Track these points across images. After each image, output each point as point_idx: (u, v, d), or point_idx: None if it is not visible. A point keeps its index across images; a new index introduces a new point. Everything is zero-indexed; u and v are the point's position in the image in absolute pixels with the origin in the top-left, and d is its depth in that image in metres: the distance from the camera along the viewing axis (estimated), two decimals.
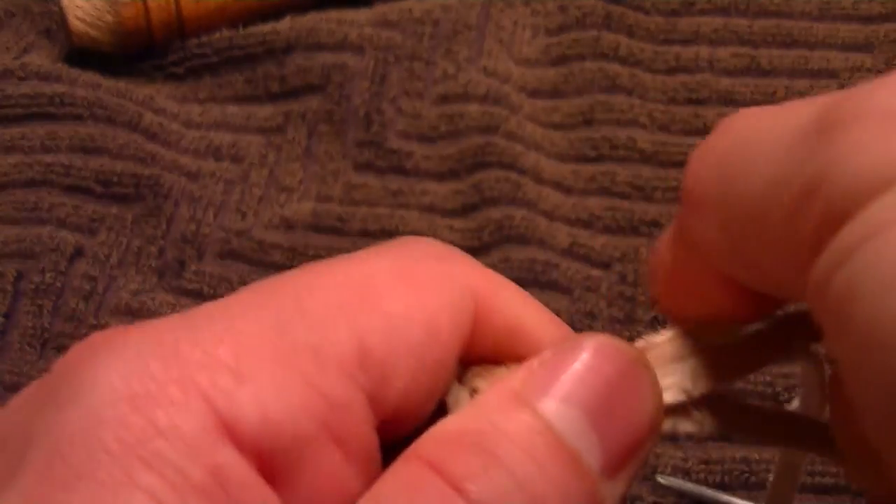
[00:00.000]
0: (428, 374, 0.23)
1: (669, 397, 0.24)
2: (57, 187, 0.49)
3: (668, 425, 0.24)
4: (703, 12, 0.54)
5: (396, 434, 0.23)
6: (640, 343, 0.25)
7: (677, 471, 0.41)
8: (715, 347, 0.24)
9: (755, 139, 0.21)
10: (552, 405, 0.22)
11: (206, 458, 0.20)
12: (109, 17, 0.52)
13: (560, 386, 0.22)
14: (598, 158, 0.50)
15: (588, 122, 0.51)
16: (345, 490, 0.22)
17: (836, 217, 0.18)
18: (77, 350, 0.21)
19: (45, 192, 0.49)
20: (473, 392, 0.24)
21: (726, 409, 0.25)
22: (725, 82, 0.52)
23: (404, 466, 0.21)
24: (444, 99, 0.52)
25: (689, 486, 0.41)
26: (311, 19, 0.54)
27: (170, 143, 0.51)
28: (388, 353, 0.22)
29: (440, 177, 0.50)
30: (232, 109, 0.53)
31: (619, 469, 0.23)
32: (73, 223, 0.48)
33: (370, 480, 0.22)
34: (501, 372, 0.24)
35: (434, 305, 0.23)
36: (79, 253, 0.47)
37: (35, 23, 0.55)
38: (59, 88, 0.50)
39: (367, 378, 0.22)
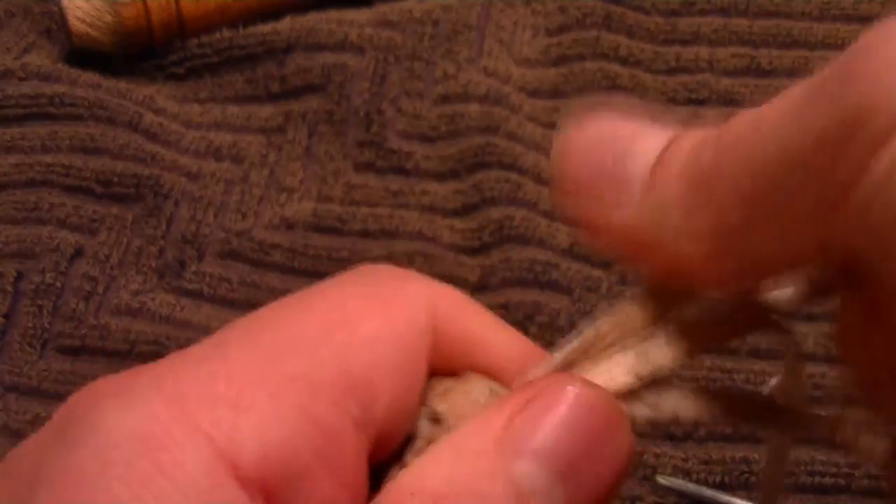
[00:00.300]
0: (406, 393, 0.23)
1: (621, 378, 0.24)
2: (57, 187, 0.49)
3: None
4: (703, 12, 0.54)
5: (380, 458, 0.24)
6: (602, 322, 0.24)
7: (677, 471, 0.41)
8: (681, 318, 0.24)
9: (755, 120, 0.21)
10: (527, 467, 0.22)
11: (209, 496, 0.20)
12: (109, 18, 0.52)
13: (536, 442, 0.23)
14: None
15: None
16: None
17: (881, 136, 0.18)
18: (83, 393, 0.22)
19: (45, 192, 0.49)
20: (434, 418, 0.24)
21: (684, 393, 0.25)
22: (725, 82, 0.52)
23: None
24: (445, 99, 0.52)
25: (690, 487, 0.41)
26: (312, 19, 0.54)
27: (170, 144, 0.51)
28: (371, 375, 0.23)
29: (440, 177, 0.50)
30: (232, 109, 0.53)
31: None
32: (73, 223, 0.48)
33: None
34: (458, 395, 0.24)
35: (403, 325, 0.24)
36: (79, 253, 0.47)
37: (35, 23, 0.55)
38: (59, 89, 0.50)
39: (355, 403, 0.22)
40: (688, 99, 0.52)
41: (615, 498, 0.24)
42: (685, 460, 0.41)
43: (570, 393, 0.23)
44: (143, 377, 0.22)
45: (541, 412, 0.23)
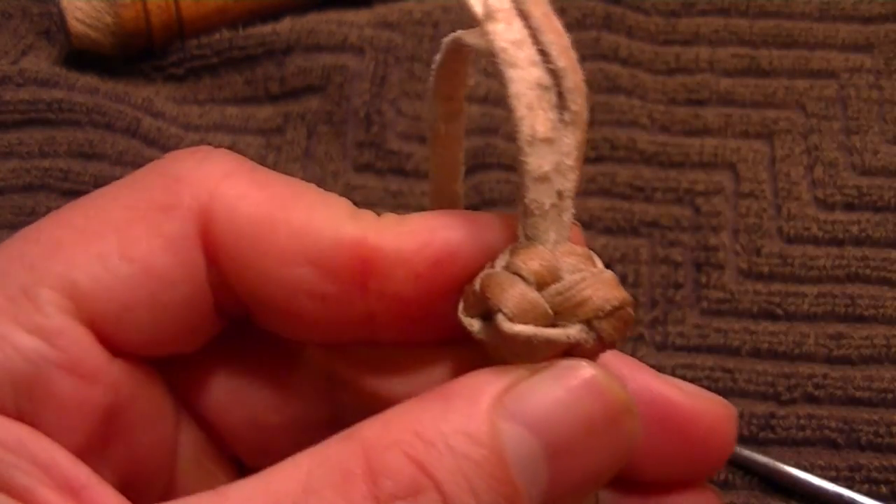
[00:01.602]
0: (157, 306, 0.25)
1: None
2: (55, 192, 0.49)
3: None
4: (703, 13, 0.54)
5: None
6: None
7: None
8: None
9: None
10: (516, 432, 0.22)
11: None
12: (109, 19, 0.51)
13: (533, 412, 0.22)
14: (598, 159, 0.50)
15: (588, 123, 0.51)
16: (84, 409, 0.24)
17: None
18: None
19: (42, 196, 0.48)
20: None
21: None
22: (725, 83, 0.52)
23: (343, 449, 0.22)
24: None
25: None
26: (311, 20, 0.54)
27: (168, 148, 0.50)
28: (96, 292, 0.24)
29: None
30: (231, 110, 0.53)
31: (564, 499, 0.23)
32: None
33: (109, 412, 0.25)
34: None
35: (147, 244, 0.25)
36: None
37: (34, 24, 0.55)
38: (57, 94, 0.50)
39: (82, 312, 0.24)
40: (688, 99, 0.52)
41: (599, 488, 0.24)
42: None
43: (582, 375, 0.23)
44: None
45: (547, 385, 0.23)
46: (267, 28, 0.54)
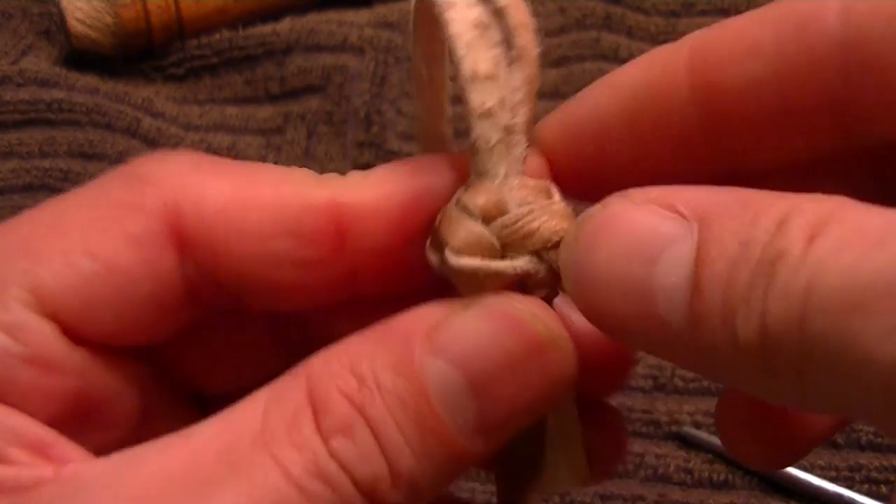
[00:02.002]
0: (120, 300, 0.25)
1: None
2: (55, 192, 0.49)
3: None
4: (703, 13, 0.54)
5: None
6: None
7: (680, 470, 0.41)
8: None
9: None
10: (440, 366, 0.23)
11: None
12: (109, 19, 0.51)
13: (457, 347, 0.23)
14: None
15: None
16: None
17: None
18: None
19: (42, 196, 0.48)
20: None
21: None
22: None
23: (294, 386, 0.23)
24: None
25: (715, 440, 0.41)
26: (311, 20, 0.54)
27: (168, 148, 0.51)
28: (59, 288, 0.25)
29: None
30: (231, 110, 0.53)
31: (499, 430, 0.24)
32: None
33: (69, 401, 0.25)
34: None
35: (110, 242, 0.25)
36: None
37: (34, 24, 0.55)
38: (57, 94, 0.50)
39: (47, 308, 0.25)
40: None
41: (534, 420, 0.25)
42: (687, 460, 0.41)
43: (503, 310, 0.24)
44: None
45: (471, 320, 0.24)
46: (267, 28, 0.54)
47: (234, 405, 0.24)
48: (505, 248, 0.25)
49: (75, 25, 0.51)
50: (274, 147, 0.51)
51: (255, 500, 0.22)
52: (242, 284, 0.26)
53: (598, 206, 0.24)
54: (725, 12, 0.54)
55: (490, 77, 0.25)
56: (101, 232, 0.26)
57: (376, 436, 0.23)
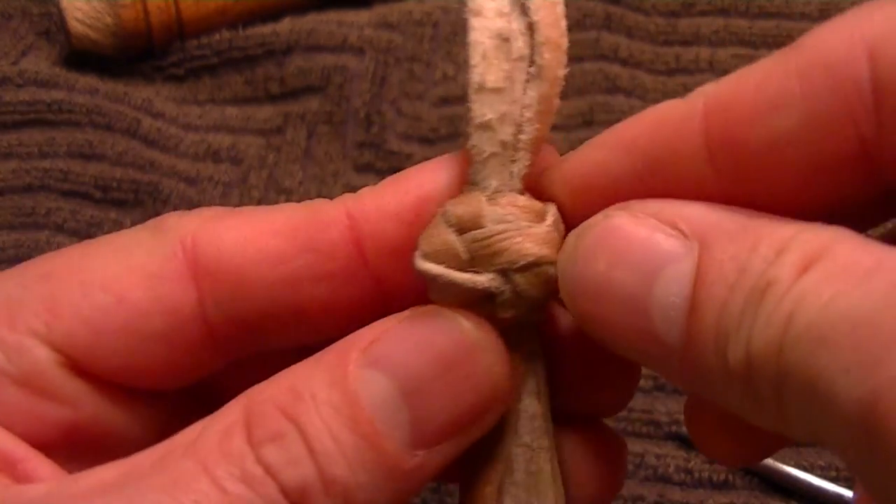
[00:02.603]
0: (129, 334, 0.26)
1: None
2: (54, 192, 0.49)
3: None
4: (702, 13, 0.54)
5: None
6: None
7: (680, 470, 0.41)
8: None
9: None
10: (371, 376, 0.24)
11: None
12: (109, 19, 0.51)
13: (388, 355, 0.24)
14: None
15: (588, 123, 0.51)
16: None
17: None
18: None
19: (42, 196, 0.48)
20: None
21: None
22: None
23: (232, 407, 0.24)
24: (444, 101, 0.52)
25: None
26: (311, 21, 0.54)
27: (168, 148, 0.51)
28: (72, 316, 0.26)
29: None
30: (231, 111, 0.53)
31: (438, 442, 0.24)
32: (70, 228, 0.48)
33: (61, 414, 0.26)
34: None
35: (126, 278, 0.26)
36: None
37: (34, 24, 0.55)
38: (56, 95, 0.50)
39: (55, 335, 0.26)
40: None
41: (480, 431, 0.25)
42: (687, 460, 0.41)
43: (431, 317, 0.24)
44: None
45: (402, 329, 0.24)
46: (267, 28, 0.54)
47: (178, 433, 0.24)
48: (473, 262, 0.25)
49: (75, 26, 0.51)
50: (274, 147, 0.51)
51: (178, 502, 0.22)
52: (265, 315, 0.27)
53: (598, 217, 0.24)
54: (725, 12, 0.54)
55: (496, 90, 0.25)
56: (119, 269, 0.27)
57: (307, 442, 0.23)
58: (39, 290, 0.26)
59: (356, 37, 0.53)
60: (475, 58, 0.25)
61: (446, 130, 0.51)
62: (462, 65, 0.53)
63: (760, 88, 0.23)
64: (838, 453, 0.20)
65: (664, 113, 0.25)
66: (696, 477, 0.41)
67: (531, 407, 0.26)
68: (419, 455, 0.24)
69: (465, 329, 0.24)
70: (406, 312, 0.25)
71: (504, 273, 0.25)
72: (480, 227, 0.25)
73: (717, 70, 0.52)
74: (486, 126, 0.25)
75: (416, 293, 0.26)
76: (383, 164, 0.50)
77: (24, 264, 0.28)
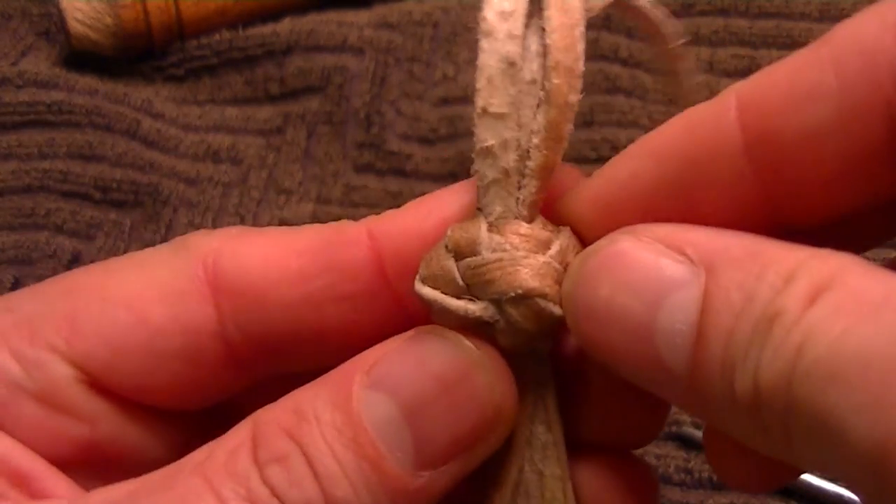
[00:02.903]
0: (149, 353, 0.26)
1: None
2: (54, 193, 0.49)
3: None
4: (702, 13, 0.54)
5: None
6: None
7: (680, 470, 0.41)
8: None
9: None
10: (374, 397, 0.24)
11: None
12: (109, 20, 0.51)
13: (389, 377, 0.24)
14: (599, 160, 0.50)
15: (588, 124, 0.51)
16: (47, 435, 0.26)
17: None
18: None
19: (42, 197, 0.48)
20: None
21: None
22: (725, 83, 0.52)
23: (240, 429, 0.24)
24: (444, 101, 0.52)
25: None
26: (311, 21, 0.54)
27: (168, 149, 0.51)
28: (92, 333, 0.26)
29: (440, 179, 0.50)
30: (231, 111, 0.53)
31: (441, 463, 0.24)
32: (70, 229, 0.48)
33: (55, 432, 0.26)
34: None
35: (147, 296, 0.27)
36: (76, 259, 0.47)
37: (34, 25, 0.55)
38: (56, 96, 0.50)
39: (74, 352, 0.26)
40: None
41: (483, 454, 0.25)
42: (687, 460, 0.41)
43: (428, 338, 0.24)
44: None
45: (402, 351, 0.24)
46: (267, 28, 0.54)
47: (188, 455, 0.24)
48: (470, 289, 0.25)
49: (75, 26, 0.51)
50: (274, 147, 0.51)
51: None
52: (286, 335, 0.27)
53: (603, 241, 0.23)
54: (725, 12, 0.54)
55: (499, 116, 0.24)
56: (140, 287, 0.27)
57: (311, 464, 0.23)
58: (61, 307, 0.26)
59: (356, 37, 0.53)
60: (480, 81, 0.24)
61: (446, 131, 0.51)
62: (462, 65, 0.53)
63: (794, 79, 0.23)
64: (850, 488, 0.20)
65: (695, 114, 0.24)
66: (695, 477, 0.41)
67: (543, 435, 0.26)
68: (423, 476, 0.24)
69: (465, 349, 0.24)
70: (409, 333, 0.25)
71: (497, 303, 0.24)
72: (476, 254, 0.24)
73: (717, 70, 0.52)
74: (487, 152, 0.24)
75: None
76: (383, 165, 0.50)
77: (47, 281, 0.28)
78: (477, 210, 0.25)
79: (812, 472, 0.40)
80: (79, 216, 0.48)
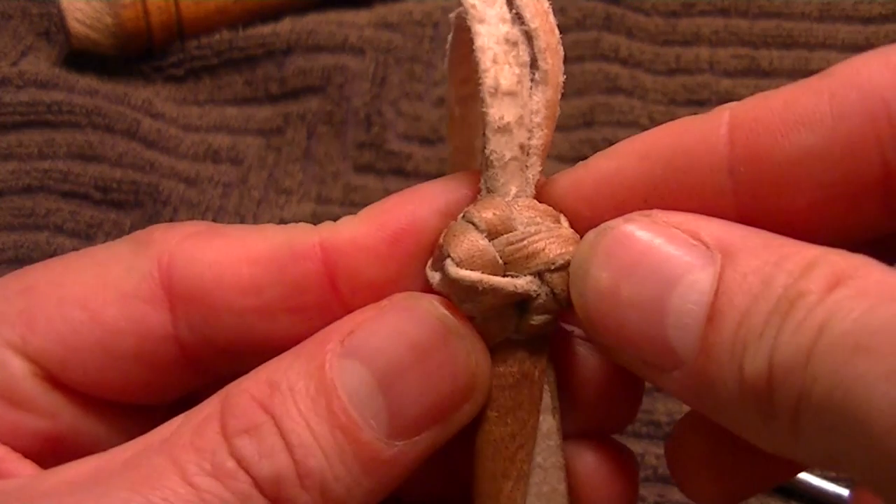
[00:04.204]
0: (103, 352, 0.26)
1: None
2: (54, 193, 0.49)
3: None
4: (703, 13, 0.54)
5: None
6: None
7: None
8: None
9: None
10: (348, 365, 0.23)
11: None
12: (109, 19, 0.51)
13: (364, 345, 0.24)
14: None
15: (588, 124, 0.51)
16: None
17: None
18: None
19: (41, 197, 0.48)
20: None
21: None
22: (726, 83, 0.52)
23: (210, 401, 0.24)
24: (444, 101, 0.52)
25: None
26: (311, 21, 0.54)
27: (168, 149, 0.50)
28: (48, 332, 0.26)
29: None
30: (231, 111, 0.53)
31: (416, 432, 0.24)
32: (70, 229, 0.48)
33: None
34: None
35: (102, 296, 0.26)
36: None
37: (34, 25, 0.55)
38: (56, 96, 0.50)
39: (30, 348, 0.26)
40: (688, 100, 0.52)
41: (460, 423, 0.25)
42: None
43: (407, 304, 0.24)
44: None
45: (379, 318, 0.24)
46: (267, 28, 0.54)
47: (156, 428, 0.24)
48: (507, 266, 0.25)
49: (75, 26, 0.51)
50: (274, 147, 0.51)
51: (147, 499, 0.22)
52: (239, 341, 0.27)
53: (619, 220, 0.23)
54: (725, 12, 0.54)
55: (511, 93, 0.24)
56: (95, 286, 0.27)
57: (283, 433, 0.23)
58: (18, 304, 0.27)
59: (356, 37, 0.53)
60: (486, 62, 0.24)
61: (446, 131, 0.51)
62: None
63: (789, 104, 0.23)
64: (858, 473, 0.19)
65: (686, 123, 0.25)
66: None
67: (545, 423, 0.26)
68: (397, 446, 0.23)
69: (441, 315, 0.24)
70: (383, 302, 0.25)
71: (539, 275, 0.24)
72: (511, 230, 0.24)
73: (717, 70, 0.52)
74: (505, 129, 0.24)
75: None
76: (383, 165, 0.50)
77: (6, 276, 0.28)
78: (485, 192, 0.25)
79: (814, 469, 0.40)
80: (79, 216, 0.48)
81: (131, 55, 0.53)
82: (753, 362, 0.20)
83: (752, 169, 0.23)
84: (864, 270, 0.20)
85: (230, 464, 0.22)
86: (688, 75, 0.52)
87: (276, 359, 0.24)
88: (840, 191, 0.23)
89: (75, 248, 0.47)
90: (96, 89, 0.51)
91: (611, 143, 0.49)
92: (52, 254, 0.47)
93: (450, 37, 0.26)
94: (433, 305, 0.24)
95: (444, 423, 0.24)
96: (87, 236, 0.48)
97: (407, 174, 0.50)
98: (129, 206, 0.49)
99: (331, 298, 0.26)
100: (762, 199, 0.24)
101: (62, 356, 0.26)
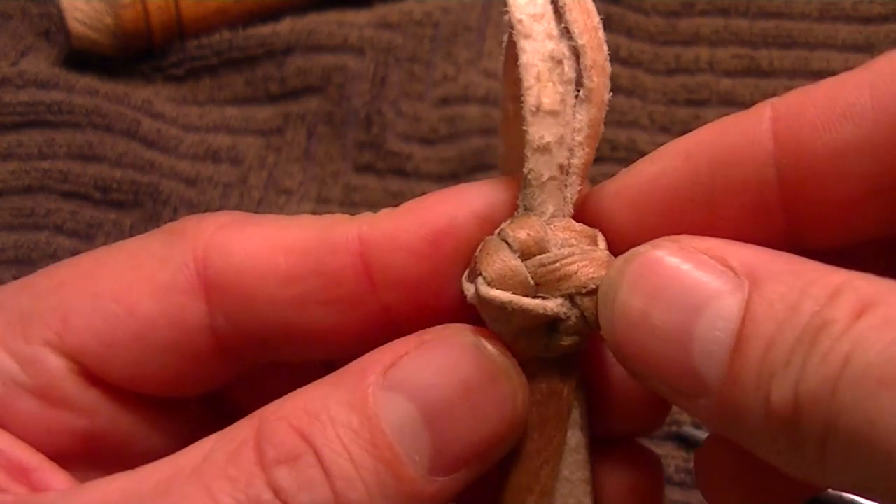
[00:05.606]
0: (140, 346, 0.26)
1: None
2: (54, 193, 0.49)
3: None
4: (703, 13, 0.54)
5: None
6: None
7: (680, 471, 0.41)
8: None
9: None
10: (394, 399, 0.23)
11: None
12: (109, 20, 0.51)
13: (411, 379, 0.23)
14: (599, 160, 0.50)
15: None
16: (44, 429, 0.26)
17: None
18: None
19: (41, 197, 0.48)
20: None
21: None
22: (725, 83, 0.52)
23: (244, 426, 0.24)
24: (445, 101, 0.52)
25: None
26: (311, 21, 0.54)
27: (168, 149, 0.51)
28: (83, 327, 0.26)
29: (440, 179, 0.50)
30: (231, 111, 0.53)
31: (456, 469, 0.24)
32: (70, 229, 0.48)
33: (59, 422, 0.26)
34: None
35: (137, 289, 0.26)
36: None
37: (34, 25, 0.55)
38: (56, 96, 0.50)
39: (67, 345, 0.26)
40: (688, 100, 0.52)
41: (495, 459, 0.25)
42: (687, 460, 0.41)
43: (458, 341, 0.24)
44: None
45: (426, 353, 0.24)
46: (267, 28, 0.54)
47: (188, 447, 0.24)
48: (539, 288, 0.24)
49: (75, 26, 0.51)
50: (274, 147, 0.51)
51: None
52: (273, 331, 0.27)
53: (646, 246, 0.23)
54: (725, 12, 0.54)
55: (553, 112, 0.24)
56: (130, 279, 0.27)
57: (324, 465, 0.22)
58: (52, 301, 0.26)
59: (356, 37, 0.53)
60: (529, 80, 0.24)
61: (446, 131, 0.51)
62: (462, 65, 0.53)
63: (831, 97, 0.23)
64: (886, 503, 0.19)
65: (728, 121, 0.25)
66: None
67: (573, 439, 0.26)
68: (438, 482, 0.23)
69: (490, 354, 0.24)
70: (427, 334, 0.24)
71: (571, 298, 0.24)
72: (545, 251, 0.24)
73: (717, 70, 0.52)
74: (544, 149, 0.24)
75: (424, 321, 0.26)
76: (383, 165, 0.50)
77: (37, 274, 0.28)
78: (522, 210, 0.25)
79: (843, 490, 0.40)
80: (79, 216, 0.48)
81: (131, 55, 0.53)
82: (780, 391, 0.20)
83: (797, 162, 0.23)
84: (891, 297, 0.20)
85: (267, 496, 0.22)
86: (688, 75, 0.52)
87: (311, 386, 0.24)
88: (884, 182, 0.23)
89: (75, 248, 0.47)
90: (96, 89, 0.51)
91: (611, 143, 0.50)
92: (52, 254, 0.47)
93: (505, 36, 0.26)
94: (482, 343, 0.24)
95: (482, 460, 0.24)
96: (87, 236, 0.48)
97: (407, 174, 0.50)
98: (129, 206, 0.49)
99: (365, 292, 0.26)
100: (807, 192, 0.24)
101: (99, 351, 0.26)
